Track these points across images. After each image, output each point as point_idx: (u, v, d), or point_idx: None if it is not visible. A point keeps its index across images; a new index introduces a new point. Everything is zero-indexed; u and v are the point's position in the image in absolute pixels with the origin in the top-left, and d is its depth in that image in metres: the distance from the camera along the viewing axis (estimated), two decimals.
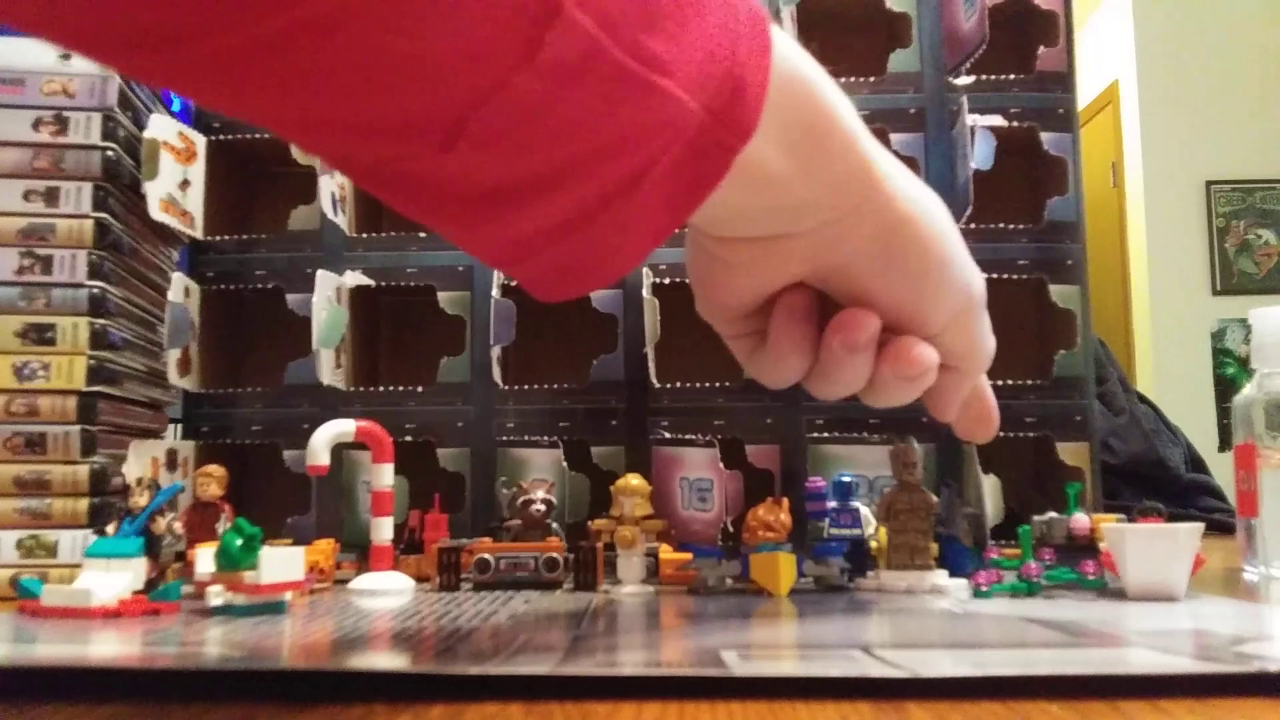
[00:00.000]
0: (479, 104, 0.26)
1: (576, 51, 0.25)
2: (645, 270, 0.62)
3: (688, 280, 0.41)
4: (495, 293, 0.61)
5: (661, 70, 0.27)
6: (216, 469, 0.50)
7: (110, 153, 0.57)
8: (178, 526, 0.47)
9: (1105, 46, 3.74)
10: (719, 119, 0.30)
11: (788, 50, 0.33)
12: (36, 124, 0.57)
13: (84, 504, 0.54)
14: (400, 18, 0.24)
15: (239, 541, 0.40)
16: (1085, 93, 3.88)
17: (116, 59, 0.25)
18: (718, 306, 0.40)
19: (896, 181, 0.36)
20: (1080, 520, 0.46)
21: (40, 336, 0.55)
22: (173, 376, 0.59)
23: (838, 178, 0.35)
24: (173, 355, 0.59)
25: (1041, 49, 0.66)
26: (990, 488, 0.52)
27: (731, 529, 0.51)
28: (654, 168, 0.30)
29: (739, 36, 0.30)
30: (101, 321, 0.56)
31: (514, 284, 0.62)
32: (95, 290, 0.56)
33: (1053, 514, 0.47)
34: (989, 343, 0.44)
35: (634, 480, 0.48)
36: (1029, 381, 0.62)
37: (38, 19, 0.23)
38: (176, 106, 0.66)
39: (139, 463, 0.55)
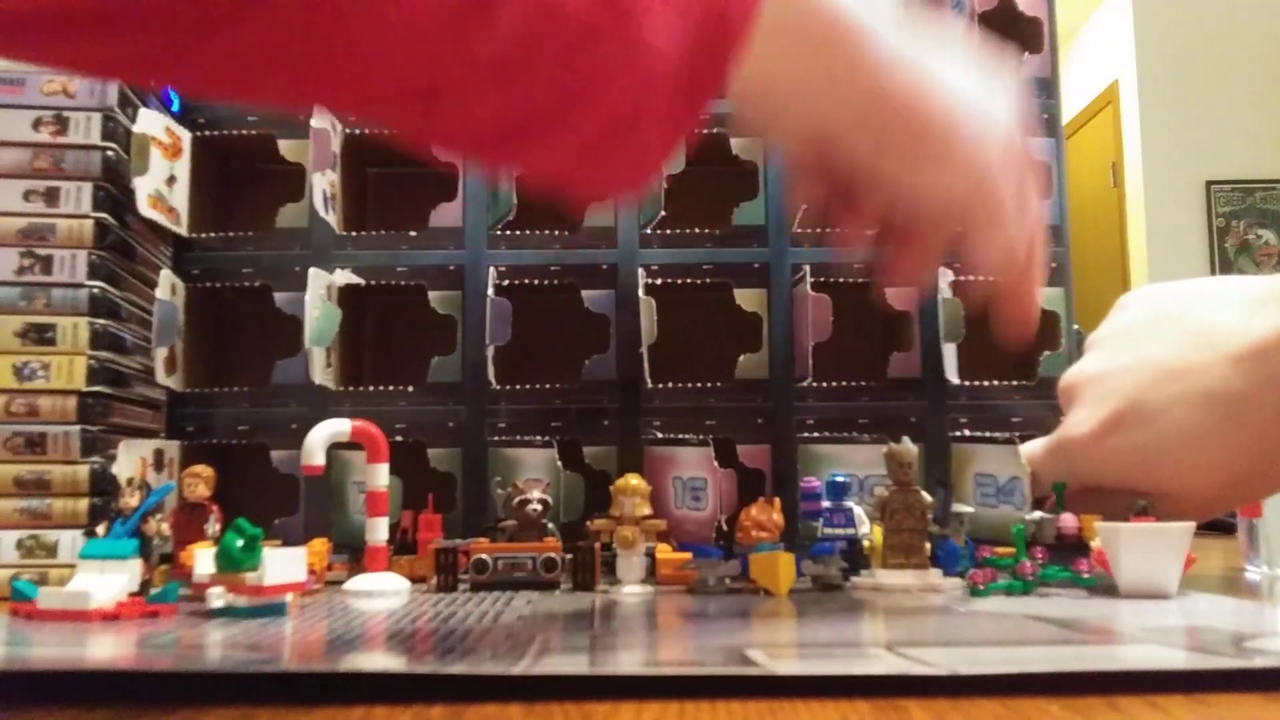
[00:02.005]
0: (447, 70, 0.30)
1: (534, 15, 0.29)
2: (640, 270, 0.62)
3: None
4: (490, 292, 0.61)
5: (633, 21, 0.30)
6: (205, 469, 0.50)
7: (110, 153, 0.58)
8: (165, 528, 0.47)
9: (1105, 46, 3.74)
10: (704, 50, 0.32)
11: None
12: (36, 124, 0.57)
13: (84, 504, 0.55)
14: (350, 15, 0.28)
15: (240, 542, 0.40)
16: (1085, 93, 3.88)
17: (124, 78, 0.29)
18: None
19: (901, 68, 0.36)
20: (1068, 519, 0.46)
21: (40, 336, 0.55)
22: (159, 375, 0.59)
23: (843, 91, 0.36)
24: (159, 354, 0.59)
25: (1026, 55, 0.66)
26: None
27: (725, 528, 0.51)
28: (651, 94, 0.32)
29: None
30: (101, 321, 0.57)
31: (508, 284, 0.62)
32: (95, 290, 0.56)
33: (1040, 513, 0.48)
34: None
35: (634, 480, 0.48)
36: (1014, 383, 0.62)
37: (52, 55, 0.29)
38: (176, 106, 0.65)
39: (129, 463, 0.55)
